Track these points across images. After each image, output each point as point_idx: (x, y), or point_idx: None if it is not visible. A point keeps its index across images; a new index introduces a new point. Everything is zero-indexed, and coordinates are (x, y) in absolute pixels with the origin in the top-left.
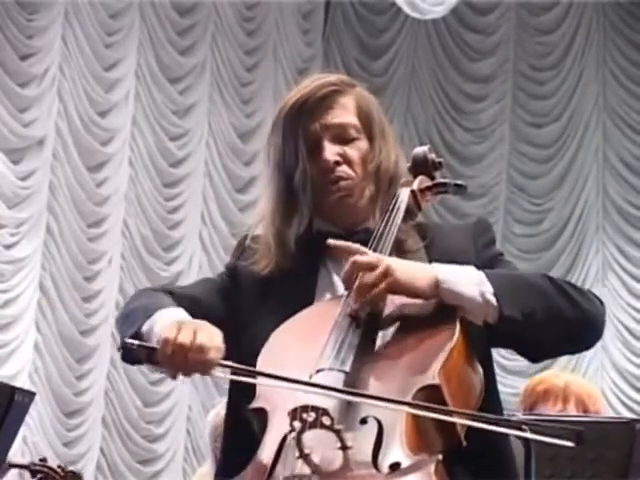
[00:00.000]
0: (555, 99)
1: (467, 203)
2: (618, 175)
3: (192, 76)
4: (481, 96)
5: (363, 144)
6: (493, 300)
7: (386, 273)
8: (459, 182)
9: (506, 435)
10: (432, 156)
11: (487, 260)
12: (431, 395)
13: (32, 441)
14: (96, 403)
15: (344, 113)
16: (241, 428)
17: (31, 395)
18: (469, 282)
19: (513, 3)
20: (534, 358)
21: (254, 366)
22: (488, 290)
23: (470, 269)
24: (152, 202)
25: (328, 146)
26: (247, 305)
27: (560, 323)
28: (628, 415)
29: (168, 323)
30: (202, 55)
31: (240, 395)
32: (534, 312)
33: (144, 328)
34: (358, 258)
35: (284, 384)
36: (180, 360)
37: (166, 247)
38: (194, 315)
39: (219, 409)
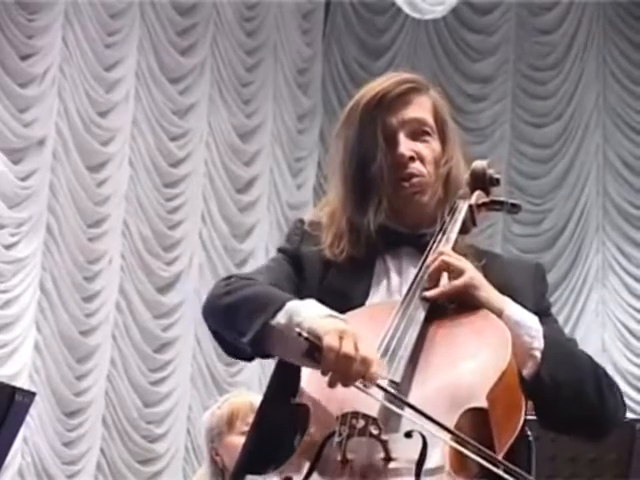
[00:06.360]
0: (555, 99)
1: None
2: (618, 175)
3: (192, 76)
4: (481, 96)
5: (436, 145)
6: (538, 357)
7: (469, 272)
8: (515, 202)
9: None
10: (491, 172)
11: (541, 311)
12: (477, 417)
13: (32, 441)
14: (96, 403)
15: (421, 110)
16: (278, 422)
17: (31, 395)
18: (526, 331)
19: (513, 3)
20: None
21: None
22: (539, 346)
23: (535, 320)
24: (152, 202)
25: (404, 141)
26: (307, 287)
27: (579, 406)
28: (628, 415)
29: (325, 324)
30: (202, 55)
31: (285, 390)
32: (563, 385)
33: (276, 321)
34: (447, 252)
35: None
36: (343, 370)
37: (166, 247)
38: None
39: (214, 409)
